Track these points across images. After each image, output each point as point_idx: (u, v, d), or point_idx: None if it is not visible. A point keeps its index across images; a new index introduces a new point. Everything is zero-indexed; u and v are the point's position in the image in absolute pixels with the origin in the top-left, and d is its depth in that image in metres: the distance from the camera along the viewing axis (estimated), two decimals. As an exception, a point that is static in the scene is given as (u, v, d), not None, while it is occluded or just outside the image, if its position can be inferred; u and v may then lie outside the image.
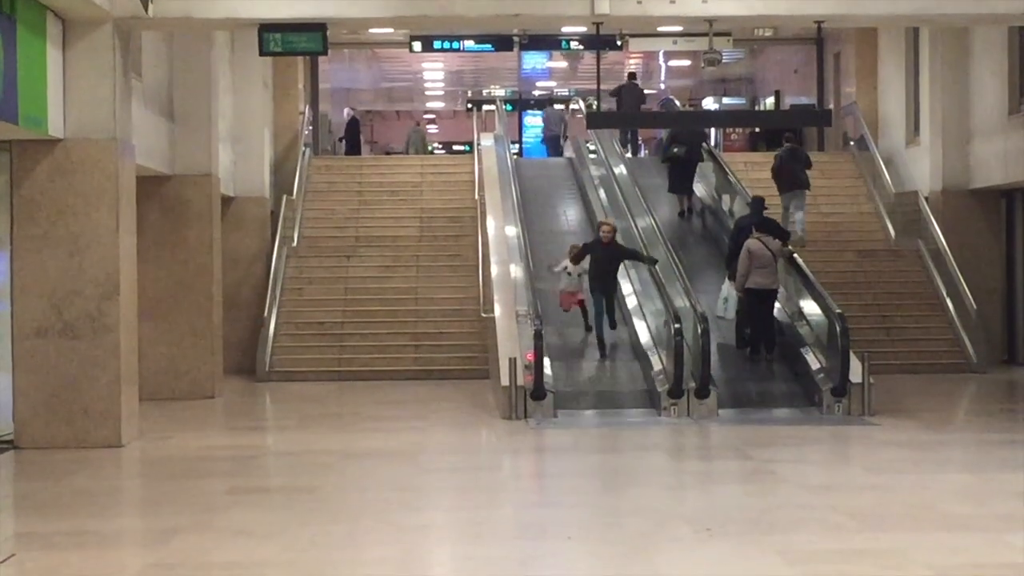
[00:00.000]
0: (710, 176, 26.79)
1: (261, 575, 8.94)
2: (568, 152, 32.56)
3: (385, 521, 10.99)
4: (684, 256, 22.10)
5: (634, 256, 20.53)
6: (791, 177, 24.97)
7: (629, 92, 30.84)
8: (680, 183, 25.87)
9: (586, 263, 20.24)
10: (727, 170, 25.95)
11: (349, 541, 10.27)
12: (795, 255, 20.73)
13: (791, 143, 25.33)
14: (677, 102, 34.07)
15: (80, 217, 15.58)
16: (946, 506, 11.56)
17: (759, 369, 19.61)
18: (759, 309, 19.67)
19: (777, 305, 20.22)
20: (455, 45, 33.80)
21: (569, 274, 20.25)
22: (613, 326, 19.95)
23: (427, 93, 50.56)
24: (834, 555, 9.51)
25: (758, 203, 21.18)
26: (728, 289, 20.16)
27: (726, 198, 25.32)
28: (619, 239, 20.93)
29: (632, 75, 32.77)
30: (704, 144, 26.70)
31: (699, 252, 24.31)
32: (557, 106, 39.46)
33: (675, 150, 25.64)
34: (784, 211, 24.96)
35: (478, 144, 29.22)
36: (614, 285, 20.27)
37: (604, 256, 19.90)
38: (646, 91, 43.75)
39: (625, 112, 29.77)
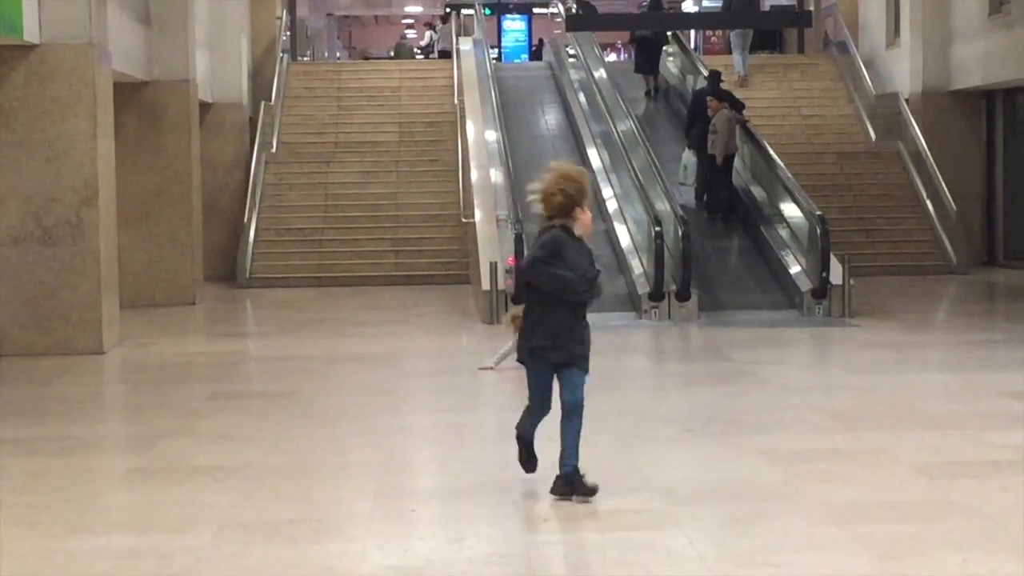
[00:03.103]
0: (677, 60, 27.95)
1: (244, 478, 8.96)
2: (548, 56, 32.41)
3: (367, 424, 11.01)
4: (650, 131, 23.23)
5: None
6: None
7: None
8: (646, 64, 27.21)
9: None
10: (690, 52, 27.46)
11: (331, 444, 10.29)
12: (748, 123, 22.16)
13: None
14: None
15: (57, 123, 15.48)
16: (926, 405, 11.62)
17: (733, 263, 19.99)
18: (720, 172, 21.13)
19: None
20: (433, -53, 33.56)
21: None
22: (571, 462, 8.23)
23: (405, -3, 50.26)
24: (815, 454, 9.55)
25: (715, 76, 22.77)
26: (688, 157, 21.72)
27: (690, 78, 26.31)
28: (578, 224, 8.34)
29: None
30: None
31: (664, 127, 25.46)
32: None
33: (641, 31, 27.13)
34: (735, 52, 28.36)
35: (457, 49, 29.03)
36: (575, 338, 8.27)
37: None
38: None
39: (602, 14, 29.77)
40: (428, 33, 41.68)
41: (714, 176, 21.30)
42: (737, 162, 21.77)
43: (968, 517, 7.80)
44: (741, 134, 21.89)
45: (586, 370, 8.23)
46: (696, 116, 21.91)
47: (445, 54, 36.05)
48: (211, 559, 7.16)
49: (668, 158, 21.94)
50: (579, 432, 8.18)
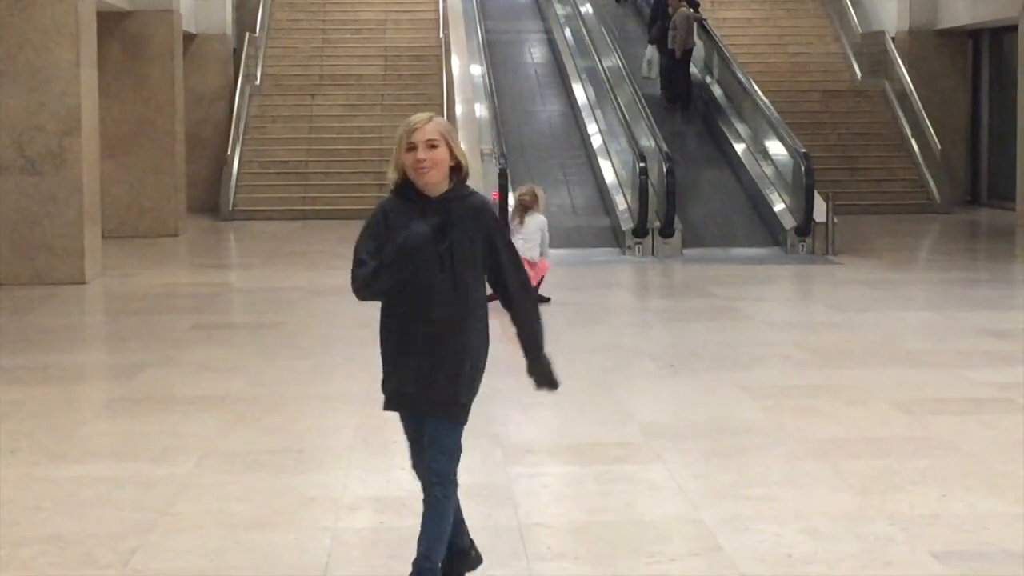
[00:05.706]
0: None
1: (227, 409, 8.96)
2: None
3: (350, 356, 11.01)
4: (618, 33, 24.80)
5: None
6: None
7: None
8: None
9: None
10: None
11: (314, 376, 10.30)
12: (704, 21, 23.87)
13: None
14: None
15: (40, 52, 15.39)
16: (908, 343, 11.65)
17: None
18: (679, 65, 23.03)
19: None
20: None
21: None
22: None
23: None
24: (797, 390, 9.57)
25: None
26: (651, 52, 23.43)
27: None
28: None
29: None
30: None
31: (633, 30, 26.54)
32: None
33: None
34: None
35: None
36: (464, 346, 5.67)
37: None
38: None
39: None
40: None
41: (673, 69, 23.09)
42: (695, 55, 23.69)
43: (948, 453, 7.83)
44: (699, 31, 23.65)
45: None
46: (658, 14, 23.67)
47: None
48: (193, 488, 7.16)
49: (635, 55, 23.45)
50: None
